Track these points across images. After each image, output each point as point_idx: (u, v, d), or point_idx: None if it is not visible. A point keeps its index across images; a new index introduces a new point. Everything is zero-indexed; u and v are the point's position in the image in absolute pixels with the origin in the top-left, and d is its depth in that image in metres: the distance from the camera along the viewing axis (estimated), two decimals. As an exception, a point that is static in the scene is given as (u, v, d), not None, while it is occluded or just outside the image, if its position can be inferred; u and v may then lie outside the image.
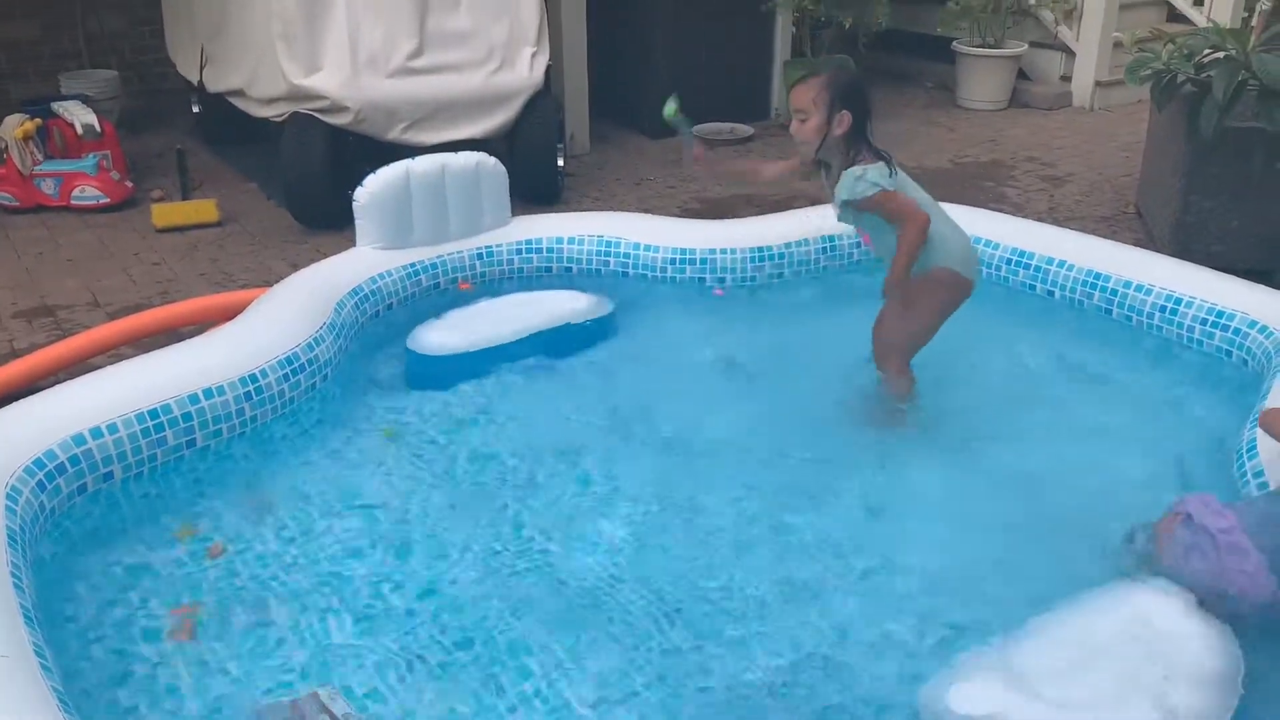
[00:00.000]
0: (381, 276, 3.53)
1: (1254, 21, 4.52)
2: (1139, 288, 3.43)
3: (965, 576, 2.36)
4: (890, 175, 2.80)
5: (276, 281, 3.49)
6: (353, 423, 3.00)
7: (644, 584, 2.35)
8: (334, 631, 2.22)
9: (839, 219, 2.97)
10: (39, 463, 2.34)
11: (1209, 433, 2.89)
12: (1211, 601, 2.06)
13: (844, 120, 2.79)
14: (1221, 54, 4.05)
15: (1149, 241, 4.63)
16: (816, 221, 4.04)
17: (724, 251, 3.86)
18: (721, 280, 3.84)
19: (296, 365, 2.94)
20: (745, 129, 6.71)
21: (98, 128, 5.30)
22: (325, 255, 3.84)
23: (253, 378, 2.81)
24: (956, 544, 2.47)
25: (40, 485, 2.31)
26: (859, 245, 3.96)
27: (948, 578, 2.36)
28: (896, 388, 3.01)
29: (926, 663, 2.09)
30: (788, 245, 3.92)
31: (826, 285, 3.90)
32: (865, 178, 2.78)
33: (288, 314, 3.13)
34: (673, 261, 3.86)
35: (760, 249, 3.89)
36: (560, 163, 5.35)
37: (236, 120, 5.52)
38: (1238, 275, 3.41)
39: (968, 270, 2.94)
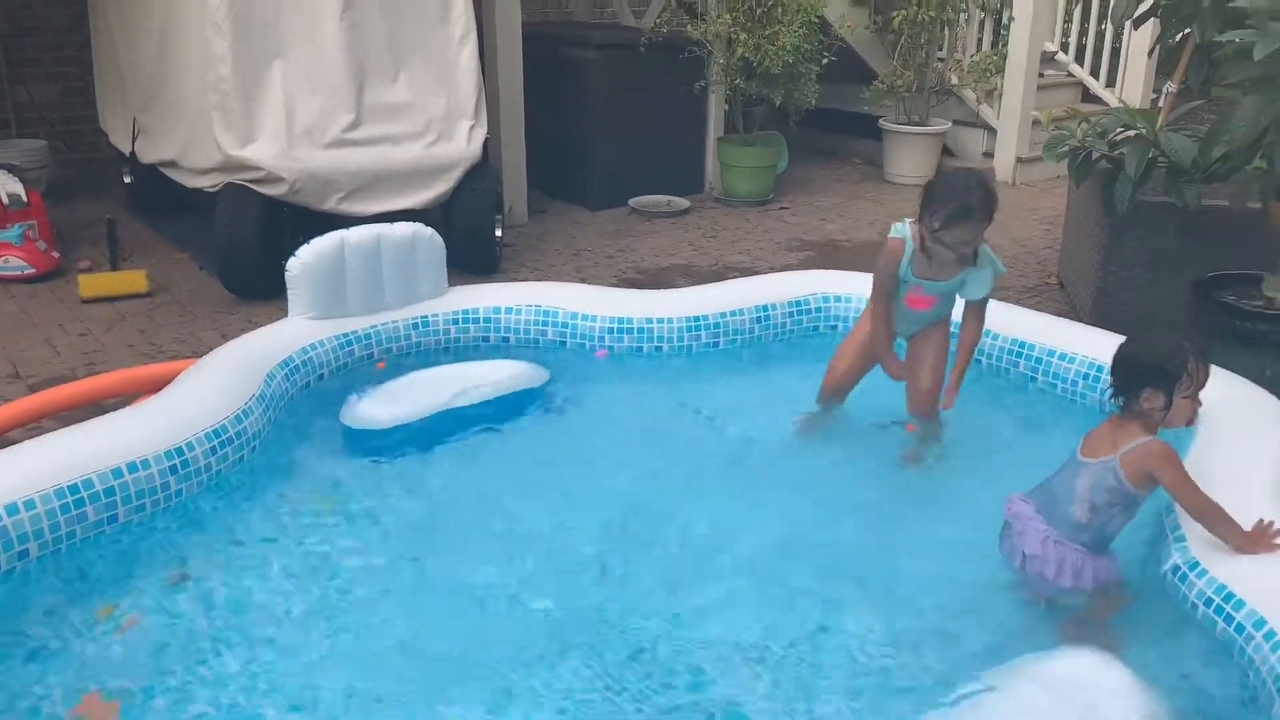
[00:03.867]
0: (313, 347, 3.50)
1: (1161, 102, 4.73)
2: (1062, 356, 3.53)
3: (905, 642, 2.36)
4: None
5: (206, 353, 3.43)
6: (283, 495, 2.93)
7: (584, 654, 2.32)
8: (265, 714, 2.14)
9: (979, 296, 3.12)
10: (-50, 541, 2.25)
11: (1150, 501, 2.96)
12: (1035, 584, 2.44)
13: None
14: (1132, 133, 4.23)
15: (1071, 311, 4.78)
16: (750, 291, 4.12)
17: (660, 320, 3.90)
18: (659, 348, 3.87)
19: (224, 438, 2.89)
20: (681, 202, 6.83)
21: (24, 197, 5.21)
22: (257, 325, 3.80)
23: (179, 450, 2.75)
24: (896, 608, 2.48)
25: (-49, 564, 2.22)
26: (791, 314, 4.04)
27: (887, 643, 2.36)
28: (938, 425, 3.26)
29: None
30: (723, 314, 3.97)
31: (760, 352, 3.95)
32: (996, 270, 3.10)
33: (216, 385, 3.08)
34: (610, 330, 3.88)
35: (696, 318, 3.93)
36: (498, 233, 5.39)
37: (169, 190, 5.47)
38: (1155, 344, 3.52)
39: None
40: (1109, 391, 2.48)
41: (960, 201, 2.88)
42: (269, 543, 2.72)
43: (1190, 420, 2.45)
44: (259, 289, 4.74)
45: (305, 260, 3.57)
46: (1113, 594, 2.47)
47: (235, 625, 2.39)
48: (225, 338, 3.92)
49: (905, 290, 3.12)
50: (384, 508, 2.90)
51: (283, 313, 3.69)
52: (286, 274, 3.59)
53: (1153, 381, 2.36)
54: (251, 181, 4.74)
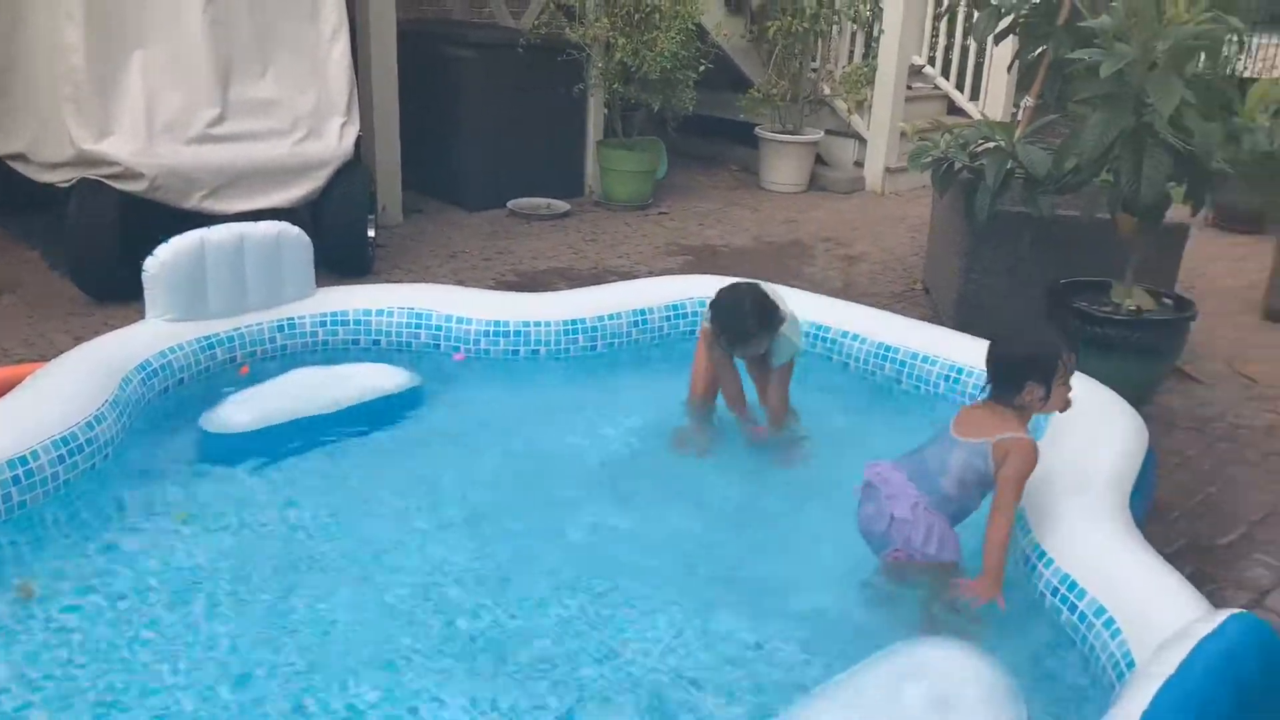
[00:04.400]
0: (173, 350, 3.36)
1: (1020, 116, 4.95)
2: (925, 359, 3.65)
3: (770, 640, 2.40)
4: None
5: (56, 356, 3.26)
6: (137, 506, 2.80)
7: (453, 657, 2.28)
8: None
9: (779, 364, 3.24)
10: None
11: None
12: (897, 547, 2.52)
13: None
14: (992, 145, 4.41)
15: (935, 316, 4.95)
16: (628, 295, 4.14)
17: (537, 324, 3.88)
18: (535, 352, 3.85)
19: (74, 445, 2.75)
20: (561, 205, 6.82)
21: None
22: (113, 328, 3.63)
23: (22, 460, 2.61)
24: (763, 607, 2.52)
25: None
26: (668, 318, 4.07)
27: (749, 640, 2.40)
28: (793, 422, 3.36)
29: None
30: (600, 318, 3.98)
31: (638, 356, 3.97)
32: (799, 329, 3.29)
33: (66, 390, 2.93)
34: (486, 334, 3.84)
35: (573, 321, 3.93)
36: (371, 234, 5.28)
37: (18, 185, 5.18)
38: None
39: None
40: (987, 389, 2.56)
41: (732, 331, 3.13)
42: (122, 555, 2.60)
43: (1065, 406, 2.56)
44: (115, 290, 4.53)
45: (163, 260, 3.43)
46: (953, 575, 2.54)
47: (86, 642, 2.28)
48: (78, 340, 3.73)
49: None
50: (246, 517, 2.80)
51: (140, 314, 3.54)
52: (144, 274, 3.45)
53: (1032, 375, 2.48)
54: (108, 177, 4.53)
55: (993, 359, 2.56)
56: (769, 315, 3.13)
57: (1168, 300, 4.16)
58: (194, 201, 4.65)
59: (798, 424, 3.39)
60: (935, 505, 2.52)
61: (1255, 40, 9.45)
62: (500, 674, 2.26)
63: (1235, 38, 3.96)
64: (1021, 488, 2.48)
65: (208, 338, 3.49)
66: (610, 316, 3.99)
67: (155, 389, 3.26)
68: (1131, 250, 4.05)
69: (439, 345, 3.84)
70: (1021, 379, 2.49)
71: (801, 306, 3.98)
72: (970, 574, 2.50)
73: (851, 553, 2.66)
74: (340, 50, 5.07)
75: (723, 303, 3.16)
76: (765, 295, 3.16)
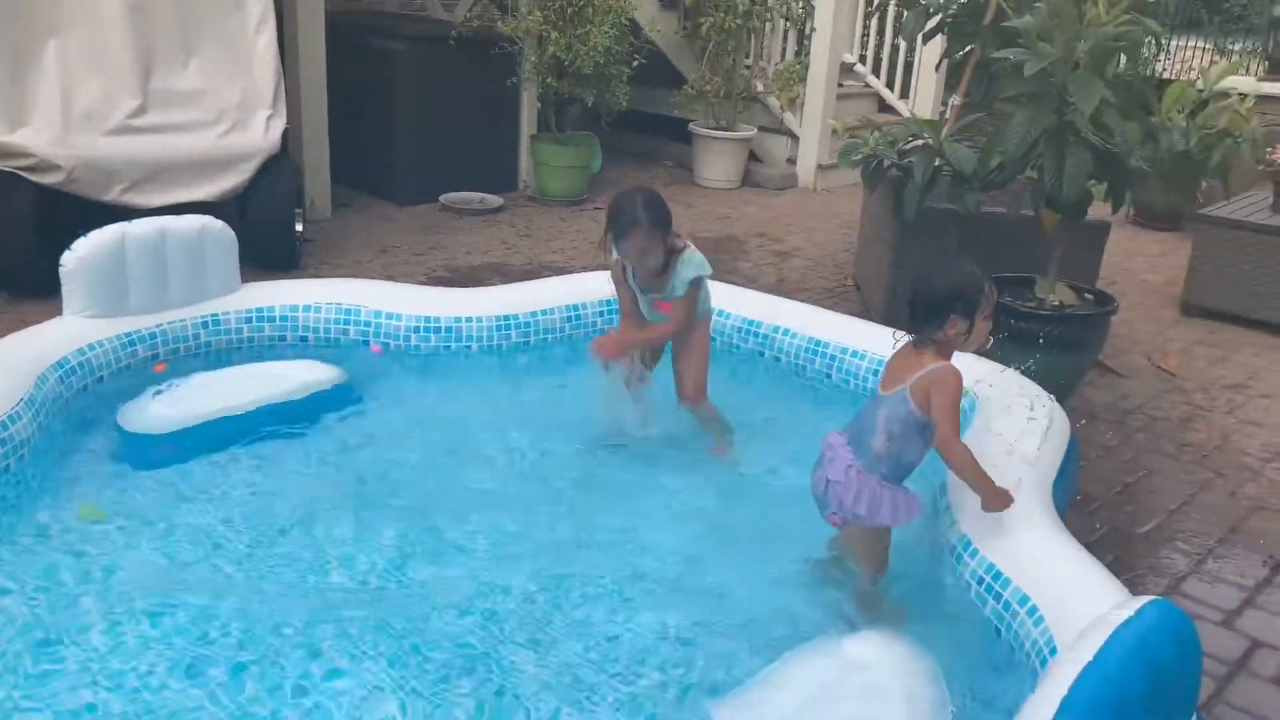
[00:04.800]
0: (91, 347, 3.27)
1: (948, 114, 5.02)
2: (854, 353, 3.70)
3: (700, 628, 2.42)
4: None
5: (-33, 353, 3.14)
6: (52, 507, 2.72)
7: (382, 654, 2.25)
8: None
9: (681, 294, 3.20)
10: None
11: (923, 481, 3.12)
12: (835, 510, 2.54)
13: (671, 236, 3.14)
14: (920, 142, 4.47)
15: (865, 311, 5.01)
16: (561, 290, 4.12)
17: (469, 319, 3.85)
18: (468, 347, 3.81)
19: (-14, 444, 2.65)
20: (495, 199, 6.77)
21: None
22: (30, 324, 3.51)
23: (-69, 459, 2.51)
24: (692, 598, 2.53)
25: None
26: (603, 314, 4.06)
27: (683, 630, 2.41)
28: (712, 412, 3.38)
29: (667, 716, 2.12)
30: (534, 313, 3.96)
31: (572, 350, 3.96)
32: (699, 268, 3.18)
33: (-22, 388, 2.83)
34: (417, 330, 3.80)
35: (507, 316, 3.91)
36: (298, 228, 5.18)
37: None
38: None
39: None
40: (909, 328, 2.53)
41: (616, 222, 3.09)
42: (37, 558, 2.52)
43: (986, 341, 2.53)
44: (32, 285, 4.38)
45: (81, 255, 3.33)
46: (884, 540, 2.58)
47: (-5, 648, 2.21)
48: (-9, 337, 3.61)
49: (646, 299, 3.30)
50: (166, 518, 2.73)
51: (58, 311, 3.43)
52: (61, 269, 3.34)
53: (955, 308, 2.44)
54: (22, 169, 4.38)
55: (916, 295, 2.51)
56: (658, 210, 3.09)
57: (1089, 295, 4.27)
58: (114, 194, 4.53)
59: (723, 425, 3.40)
60: (868, 467, 2.50)
61: (1173, 42, 9.74)
62: (426, 672, 2.23)
63: (1153, 40, 4.07)
64: (955, 416, 2.43)
65: (128, 335, 3.40)
66: (544, 312, 3.98)
67: (73, 387, 3.17)
68: (1054, 246, 4.14)
69: (367, 341, 3.78)
70: (946, 312, 2.44)
71: (735, 302, 4.03)
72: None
73: (782, 545, 2.69)
74: (266, 41, 4.98)
75: (615, 200, 3.15)
76: (659, 196, 3.15)
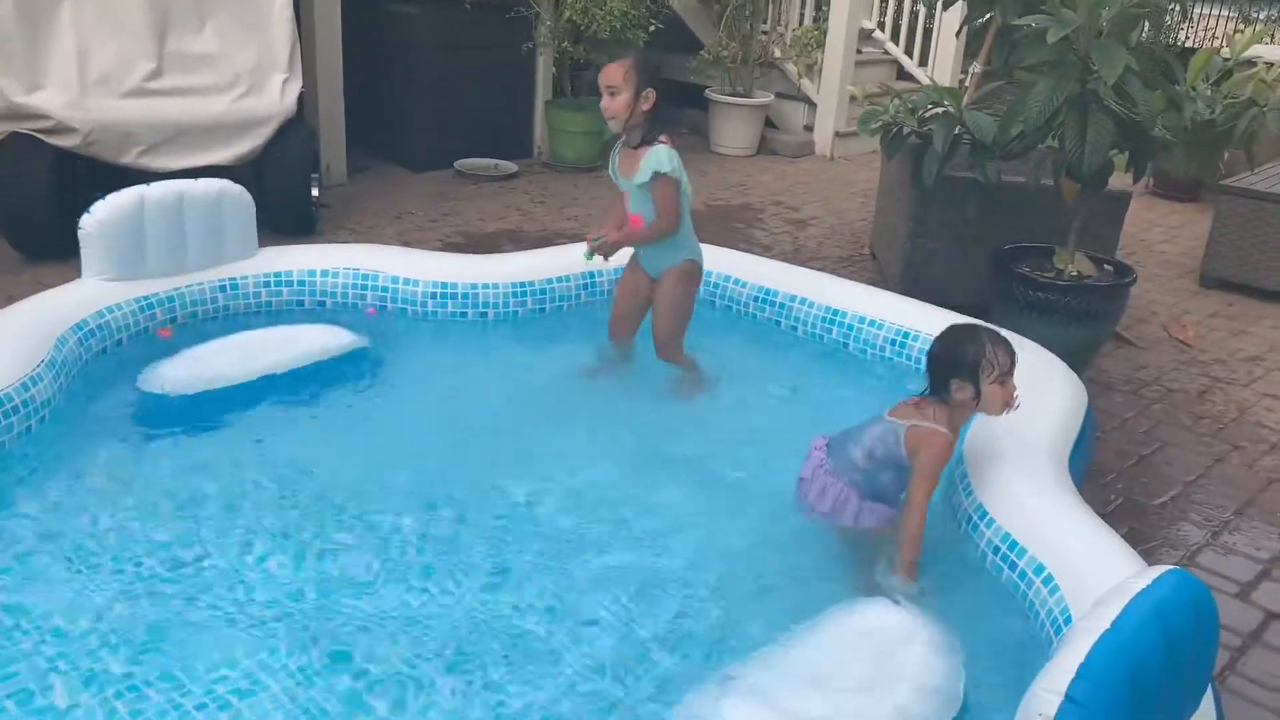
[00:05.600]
0: (110, 310, 3.29)
1: (968, 82, 4.98)
2: (871, 323, 3.69)
3: (709, 598, 2.43)
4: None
5: (-12, 315, 3.16)
6: (74, 468, 2.75)
7: (406, 625, 2.28)
8: (55, 694, 2.01)
9: (635, 188, 3.22)
10: None
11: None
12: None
13: (649, 97, 3.13)
14: (940, 110, 4.44)
15: (881, 280, 4.99)
16: (577, 257, 4.11)
17: (486, 286, 3.85)
18: (484, 314, 3.81)
19: (9, 406, 2.69)
20: (509, 165, 6.74)
21: None
22: (48, 287, 3.53)
23: (-45, 420, 2.54)
24: (700, 566, 2.54)
25: None
26: (617, 281, 4.04)
27: (692, 600, 2.42)
28: (686, 364, 3.45)
29: (673, 686, 2.13)
30: (549, 281, 3.95)
31: (587, 319, 3.96)
32: (671, 158, 3.14)
33: (0, 350, 2.84)
34: (433, 295, 3.80)
35: (522, 284, 3.90)
36: (315, 193, 5.18)
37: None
38: (957, 311, 3.73)
39: (702, 261, 3.44)
40: (926, 388, 2.58)
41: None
42: (59, 517, 2.54)
43: (1006, 406, 2.54)
44: (50, 248, 4.41)
45: (100, 218, 3.34)
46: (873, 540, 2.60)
47: (20, 608, 2.23)
48: (11, 300, 3.61)
49: (625, 204, 3.32)
50: (185, 480, 2.75)
51: (76, 274, 3.44)
52: (79, 232, 3.35)
53: (958, 373, 2.49)
54: (40, 131, 4.39)
55: (928, 357, 2.61)
56: (644, 65, 3.13)
57: (1108, 266, 4.24)
58: (130, 158, 4.53)
59: (697, 372, 3.45)
60: (837, 469, 2.60)
61: (1196, 9, 9.59)
62: (445, 632, 2.25)
63: (1177, 7, 4.02)
64: (931, 482, 2.48)
65: (146, 298, 3.42)
66: (559, 279, 3.97)
67: (92, 350, 3.19)
68: (1074, 216, 4.11)
69: (385, 306, 3.79)
70: (948, 376, 2.51)
71: (750, 270, 4.02)
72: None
73: (798, 513, 2.70)
74: (282, 3, 4.96)
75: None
76: (653, 61, 3.21)
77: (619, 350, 3.56)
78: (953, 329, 2.63)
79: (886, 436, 2.54)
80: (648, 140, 3.20)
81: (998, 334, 2.55)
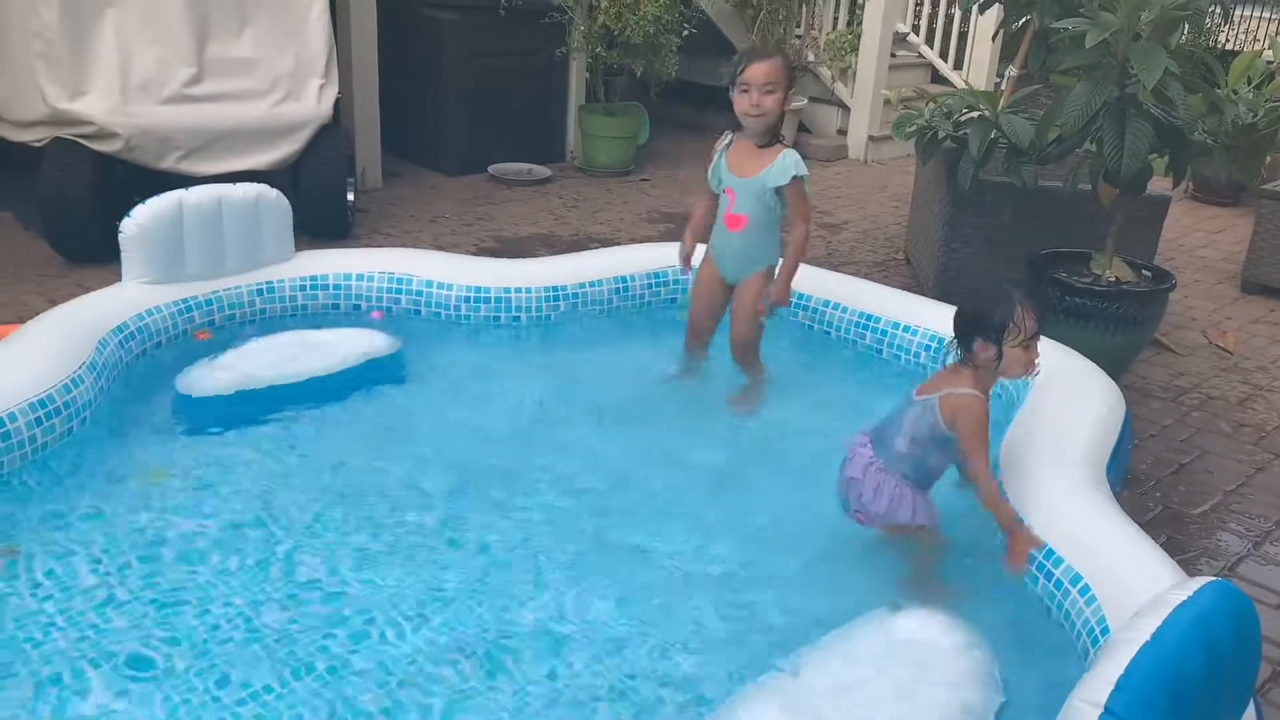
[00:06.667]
0: (150, 313, 3.33)
1: (1004, 85, 4.93)
2: (906, 329, 3.66)
3: (742, 605, 2.42)
4: None
5: (31, 318, 3.21)
6: (115, 470, 2.78)
7: (433, 627, 2.29)
8: (94, 692, 2.04)
9: (753, 187, 3.23)
10: None
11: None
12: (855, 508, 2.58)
13: (793, 97, 3.15)
14: (976, 114, 4.40)
15: (916, 285, 4.96)
16: (610, 262, 4.12)
17: (518, 290, 3.86)
18: (517, 319, 3.83)
19: (51, 408, 2.72)
20: (543, 170, 6.77)
21: None
22: (89, 290, 3.59)
23: (-1, 422, 2.58)
24: (733, 573, 2.54)
25: None
26: (649, 286, 4.06)
27: (726, 607, 2.41)
28: (759, 371, 3.45)
29: (710, 692, 2.13)
30: (581, 285, 3.96)
31: (619, 323, 3.96)
32: (800, 161, 3.19)
33: (42, 352, 2.90)
34: (466, 300, 3.82)
35: (555, 288, 3.91)
36: (350, 197, 5.23)
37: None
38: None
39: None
40: (953, 345, 2.58)
41: (746, 55, 3.21)
42: (100, 519, 2.58)
43: (1026, 371, 2.53)
44: (91, 251, 4.48)
45: (140, 222, 3.38)
46: (927, 540, 2.57)
47: (65, 606, 2.27)
48: (53, 303, 3.68)
49: (723, 206, 3.32)
50: (223, 480, 2.78)
51: (116, 277, 3.49)
52: (120, 236, 3.40)
53: (983, 332, 2.46)
54: (82, 137, 4.47)
55: (955, 315, 2.57)
56: (790, 65, 3.15)
57: (1146, 272, 4.19)
58: (170, 162, 4.60)
59: (759, 385, 3.44)
60: (888, 464, 2.53)
61: (1237, 11, 9.47)
62: (483, 642, 2.26)
63: (1218, 9, 3.96)
64: (981, 444, 2.46)
65: (185, 300, 3.46)
66: (592, 284, 3.98)
67: (132, 352, 3.24)
68: (1112, 221, 4.07)
69: (419, 310, 3.82)
70: (973, 335, 2.48)
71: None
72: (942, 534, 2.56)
73: (835, 519, 2.68)
74: (319, 10, 5.01)
75: (748, 49, 3.21)
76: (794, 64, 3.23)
77: (696, 358, 3.54)
78: (983, 289, 2.62)
79: (924, 415, 2.51)
80: (777, 141, 3.22)
81: (1029, 300, 2.52)
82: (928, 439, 2.52)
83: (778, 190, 3.23)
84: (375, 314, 3.78)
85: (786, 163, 3.20)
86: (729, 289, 3.42)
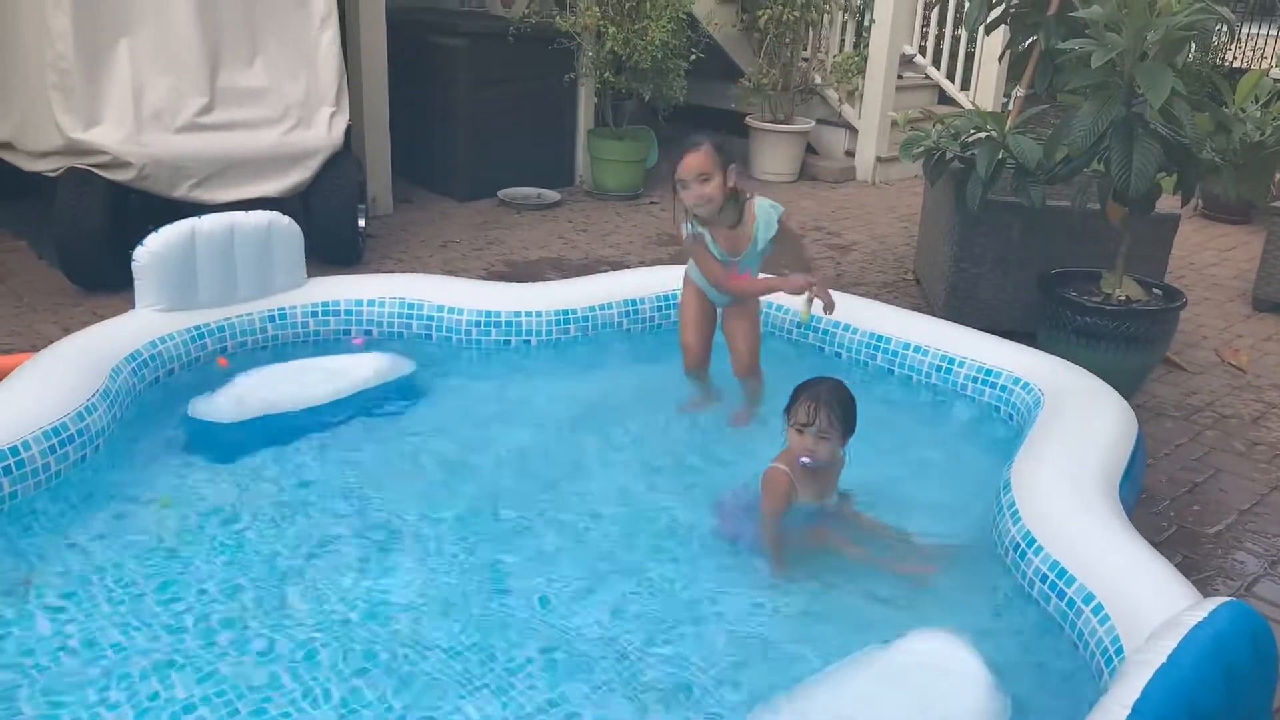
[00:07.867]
0: (163, 340, 3.35)
1: (1011, 106, 4.95)
2: (916, 349, 3.66)
3: (752, 627, 2.41)
4: None
5: (45, 346, 3.24)
6: (128, 497, 2.79)
7: (445, 651, 2.29)
8: (105, 719, 2.05)
9: (756, 254, 3.27)
10: None
11: (978, 476, 3.08)
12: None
13: (733, 171, 3.17)
14: (983, 134, 4.41)
15: (925, 305, 4.96)
16: (618, 285, 4.13)
17: (529, 314, 3.87)
18: (527, 341, 3.84)
19: (65, 436, 2.74)
20: (552, 195, 6.80)
21: None
22: (102, 318, 3.62)
23: (13, 450, 2.59)
24: (742, 595, 2.52)
25: None
26: (660, 309, 4.07)
27: (744, 632, 2.41)
28: (760, 382, 3.46)
29: (720, 712, 2.12)
30: (591, 308, 3.97)
31: (630, 346, 3.97)
32: (767, 204, 3.23)
33: (56, 380, 2.91)
34: (477, 324, 3.83)
35: (565, 311, 3.93)
36: (361, 224, 5.26)
37: (6, 174, 5.14)
38: (1003, 336, 3.70)
39: None
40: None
41: (680, 155, 3.16)
42: (114, 545, 2.59)
43: (801, 456, 2.64)
44: (104, 280, 4.52)
45: (153, 250, 3.41)
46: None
47: (80, 632, 2.27)
48: (67, 331, 3.72)
49: (728, 269, 3.34)
50: (238, 507, 2.79)
51: (129, 305, 3.52)
52: (133, 264, 3.43)
53: (787, 406, 2.68)
54: (96, 166, 4.51)
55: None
56: (718, 149, 3.14)
57: (1157, 290, 4.18)
58: (183, 191, 4.64)
59: (759, 396, 3.46)
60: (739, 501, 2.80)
61: (1243, 29, 9.48)
62: (496, 667, 2.26)
63: (1225, 28, 3.97)
64: (769, 502, 2.67)
65: (198, 328, 3.48)
66: (602, 307, 3.99)
67: (145, 379, 3.25)
68: (1121, 240, 4.07)
69: (430, 335, 3.83)
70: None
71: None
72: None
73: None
74: (329, 38, 5.06)
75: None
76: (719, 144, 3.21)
77: (702, 382, 3.56)
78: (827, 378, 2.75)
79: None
80: (739, 208, 3.25)
81: (819, 392, 2.64)
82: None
83: (771, 240, 3.31)
84: (357, 339, 3.80)
85: (768, 218, 3.27)
86: (715, 309, 3.48)
